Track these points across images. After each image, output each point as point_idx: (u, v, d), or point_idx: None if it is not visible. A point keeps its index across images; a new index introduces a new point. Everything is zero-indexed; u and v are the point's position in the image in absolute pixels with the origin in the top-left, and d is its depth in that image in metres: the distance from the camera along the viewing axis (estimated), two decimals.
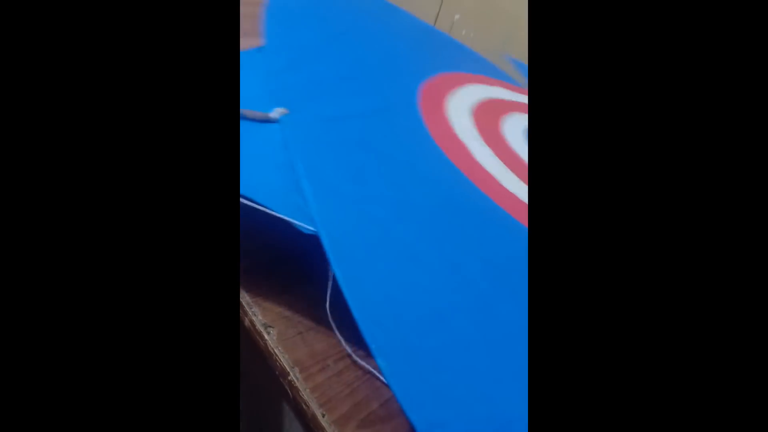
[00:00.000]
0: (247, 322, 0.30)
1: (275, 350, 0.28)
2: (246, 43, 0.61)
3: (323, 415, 0.26)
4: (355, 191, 0.34)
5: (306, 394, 0.27)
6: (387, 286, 0.29)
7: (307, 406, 0.26)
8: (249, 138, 0.32)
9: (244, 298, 0.30)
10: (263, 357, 0.29)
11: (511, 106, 0.60)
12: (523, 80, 0.73)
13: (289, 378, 0.27)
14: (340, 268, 0.28)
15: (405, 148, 0.42)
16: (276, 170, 0.32)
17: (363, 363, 0.29)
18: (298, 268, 0.34)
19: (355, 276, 0.28)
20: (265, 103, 0.35)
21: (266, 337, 0.29)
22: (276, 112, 0.35)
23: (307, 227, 0.29)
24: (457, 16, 1.08)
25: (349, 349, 0.29)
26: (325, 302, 0.30)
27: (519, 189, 0.43)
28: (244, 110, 0.34)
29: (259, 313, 0.30)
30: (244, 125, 0.33)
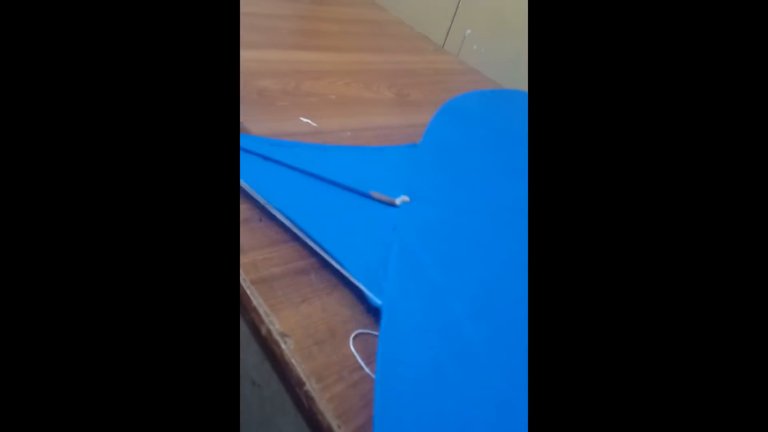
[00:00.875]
0: (264, 331, 0.30)
1: (291, 359, 0.28)
2: (248, 55, 0.62)
3: (339, 427, 0.26)
4: (440, 279, 0.34)
5: (322, 405, 0.27)
6: (423, 386, 0.28)
7: (323, 417, 0.26)
8: (371, 216, 0.39)
9: (262, 307, 0.30)
10: (279, 366, 0.29)
11: None
12: None
13: (305, 388, 0.27)
14: (383, 352, 0.28)
15: (510, 248, 0.41)
16: (380, 248, 0.36)
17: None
18: (316, 280, 0.34)
19: (394, 370, 0.28)
20: (398, 191, 0.41)
21: (283, 346, 0.29)
22: (399, 199, 0.40)
23: (374, 299, 0.31)
24: (468, 31, 1.09)
25: (362, 363, 0.30)
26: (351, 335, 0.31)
27: None
28: (373, 192, 0.40)
29: (276, 322, 0.30)
30: (371, 204, 0.40)
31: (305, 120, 0.52)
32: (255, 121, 0.49)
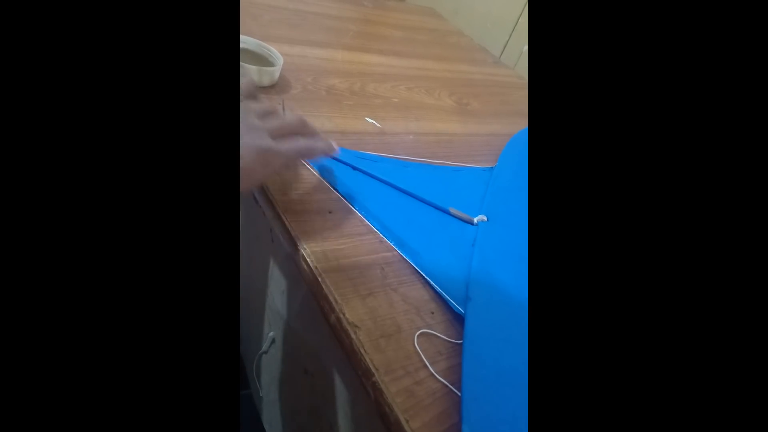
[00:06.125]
0: (333, 319, 0.30)
1: (360, 350, 0.29)
2: (317, 53, 0.63)
3: (407, 421, 0.26)
4: (518, 297, 0.37)
5: (390, 397, 0.27)
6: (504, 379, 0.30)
7: (391, 410, 0.26)
8: (450, 230, 0.42)
9: (332, 295, 0.31)
10: (346, 355, 0.30)
11: None
12: None
13: (374, 380, 0.27)
14: (468, 355, 0.30)
15: None
16: (459, 260, 0.38)
17: (441, 378, 0.29)
18: (382, 275, 0.34)
19: (477, 370, 0.30)
20: (475, 210, 0.44)
21: (352, 335, 0.29)
22: (477, 218, 0.43)
23: (458, 308, 0.34)
24: (525, 48, 1.09)
25: (427, 362, 0.30)
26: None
27: None
28: (452, 209, 0.43)
29: (346, 311, 0.30)
30: (450, 220, 0.42)
31: (370, 120, 0.53)
32: (324, 116, 0.50)
